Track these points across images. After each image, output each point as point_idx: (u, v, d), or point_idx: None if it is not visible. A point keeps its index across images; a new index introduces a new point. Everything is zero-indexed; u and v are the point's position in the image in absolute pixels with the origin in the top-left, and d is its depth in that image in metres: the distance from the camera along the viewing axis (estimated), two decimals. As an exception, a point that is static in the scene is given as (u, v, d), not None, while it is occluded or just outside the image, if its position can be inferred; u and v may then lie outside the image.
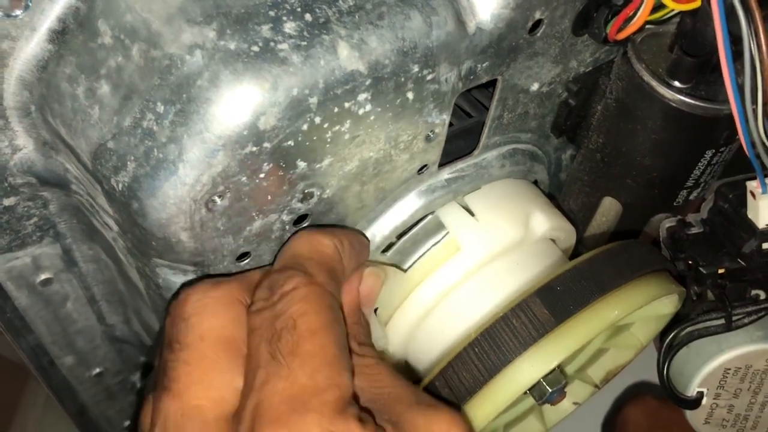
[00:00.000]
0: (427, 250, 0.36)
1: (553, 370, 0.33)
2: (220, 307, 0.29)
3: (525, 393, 0.33)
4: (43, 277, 0.37)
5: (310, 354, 0.27)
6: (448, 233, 0.36)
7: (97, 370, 0.44)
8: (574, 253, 0.43)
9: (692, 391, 0.41)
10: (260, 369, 0.27)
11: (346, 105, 0.28)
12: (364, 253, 0.34)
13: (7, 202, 0.32)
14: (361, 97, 0.28)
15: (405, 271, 0.37)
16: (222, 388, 0.28)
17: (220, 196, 0.27)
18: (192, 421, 0.28)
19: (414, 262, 0.37)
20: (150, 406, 0.29)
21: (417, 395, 0.30)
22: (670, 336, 0.39)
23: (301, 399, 0.26)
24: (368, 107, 0.29)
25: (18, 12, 0.27)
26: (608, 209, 0.40)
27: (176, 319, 0.29)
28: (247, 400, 0.27)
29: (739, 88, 0.30)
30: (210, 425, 0.28)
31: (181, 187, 0.26)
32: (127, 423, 0.49)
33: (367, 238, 0.35)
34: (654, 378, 0.41)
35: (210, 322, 0.29)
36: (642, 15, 0.32)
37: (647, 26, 0.35)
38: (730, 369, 0.41)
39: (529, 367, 0.31)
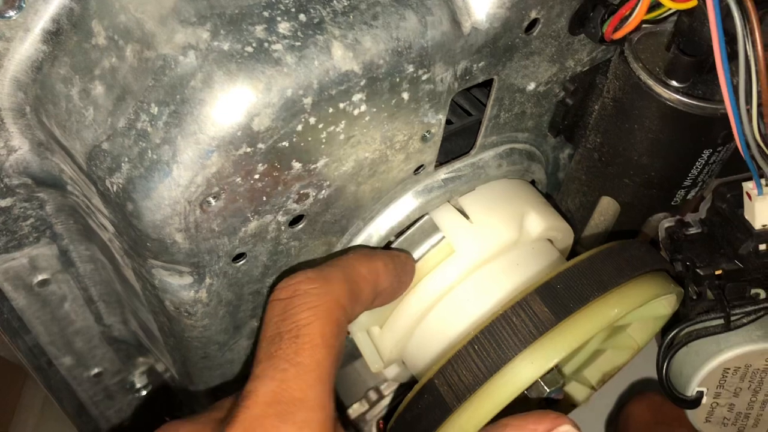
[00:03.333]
0: (425, 252, 0.36)
1: (552, 369, 0.33)
2: None
3: (524, 392, 0.33)
4: (40, 277, 0.37)
5: (306, 368, 0.27)
6: (443, 236, 0.36)
7: (96, 370, 0.44)
8: (572, 253, 0.43)
9: (692, 391, 0.41)
10: (259, 363, 0.28)
11: (341, 105, 0.28)
12: (406, 277, 0.35)
13: (3, 203, 0.32)
14: (356, 97, 0.28)
15: None
16: None
17: (214, 197, 0.27)
18: None
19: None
20: None
21: None
22: (669, 336, 0.39)
23: (289, 408, 0.27)
24: (363, 108, 0.29)
25: (11, 13, 0.27)
26: (606, 209, 0.40)
27: None
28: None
29: (734, 89, 0.30)
30: None
31: (175, 189, 0.26)
32: (126, 423, 0.49)
33: (413, 262, 0.36)
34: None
35: None
36: (638, 14, 0.32)
37: (644, 25, 0.35)
38: (729, 368, 0.41)
39: (530, 365, 0.31)
